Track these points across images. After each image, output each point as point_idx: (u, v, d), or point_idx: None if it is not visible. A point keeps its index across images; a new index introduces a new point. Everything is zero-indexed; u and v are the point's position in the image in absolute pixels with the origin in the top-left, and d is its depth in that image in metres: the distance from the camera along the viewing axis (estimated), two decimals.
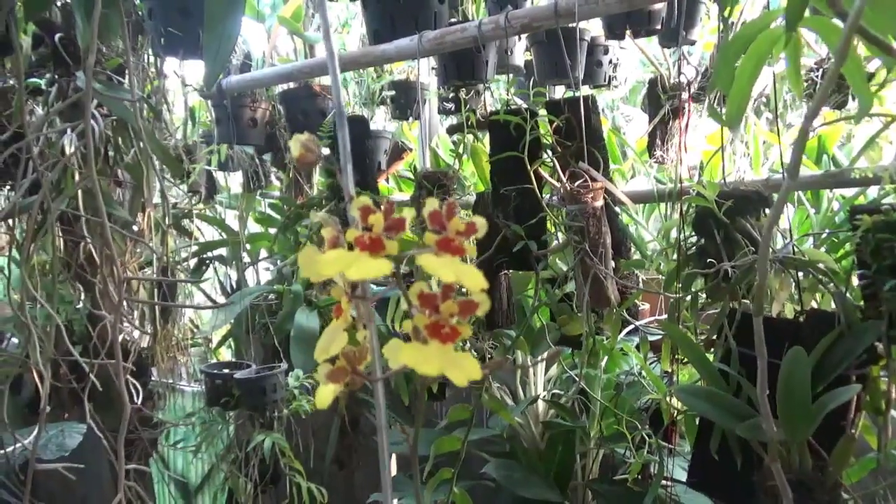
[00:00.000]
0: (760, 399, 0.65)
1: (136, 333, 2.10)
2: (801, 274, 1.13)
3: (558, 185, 1.27)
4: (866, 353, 1.00)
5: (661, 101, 2.01)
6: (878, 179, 1.22)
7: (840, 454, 0.99)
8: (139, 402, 1.95)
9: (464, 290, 0.31)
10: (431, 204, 0.32)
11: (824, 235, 1.66)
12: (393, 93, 2.39)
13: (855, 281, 1.11)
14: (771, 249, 1.10)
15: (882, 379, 1.04)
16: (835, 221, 1.86)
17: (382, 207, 0.31)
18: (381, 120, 2.70)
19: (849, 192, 1.88)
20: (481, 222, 0.32)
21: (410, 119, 2.43)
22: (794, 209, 1.95)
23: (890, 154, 2.22)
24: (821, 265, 1.08)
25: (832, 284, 1.07)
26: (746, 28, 0.71)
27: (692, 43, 1.93)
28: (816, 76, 1.86)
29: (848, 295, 1.07)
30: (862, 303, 1.04)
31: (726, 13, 0.68)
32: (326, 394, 0.34)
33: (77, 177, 1.62)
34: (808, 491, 0.97)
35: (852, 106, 1.83)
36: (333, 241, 0.33)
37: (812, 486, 0.97)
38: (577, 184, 1.24)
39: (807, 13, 0.68)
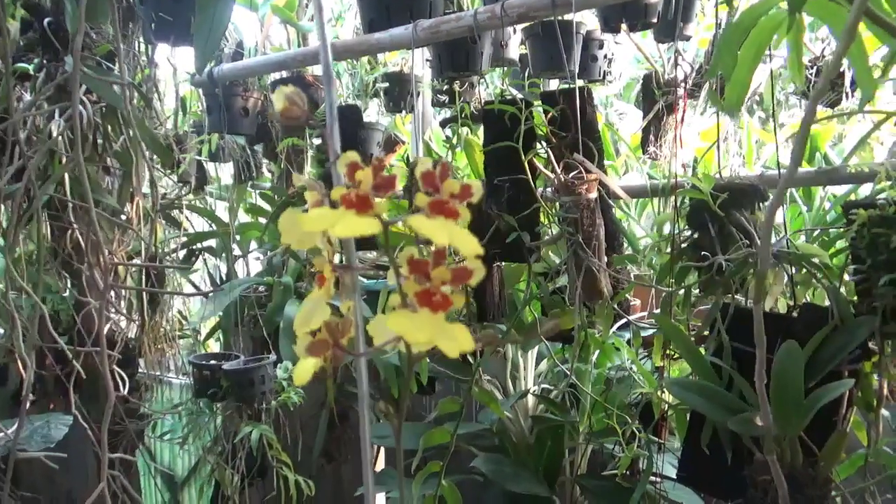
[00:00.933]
0: (758, 388, 0.64)
1: (124, 324, 2.08)
2: (794, 268, 1.13)
3: (552, 176, 1.26)
4: (859, 349, 1.00)
5: (656, 97, 2.01)
6: (872, 175, 1.22)
7: (831, 450, 0.98)
8: (125, 393, 1.93)
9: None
10: (424, 164, 0.30)
11: (816, 233, 1.66)
12: (386, 85, 2.37)
13: (847, 276, 1.11)
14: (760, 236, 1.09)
15: (874, 375, 1.04)
16: (826, 219, 1.86)
17: (372, 164, 0.30)
18: (374, 113, 2.68)
19: (840, 190, 1.88)
20: (477, 185, 0.31)
21: (404, 112, 2.42)
22: (786, 206, 1.94)
23: (881, 154, 2.22)
24: (815, 260, 1.08)
25: (825, 279, 1.07)
26: (748, 13, 0.70)
27: (687, 38, 1.93)
28: (811, 73, 1.86)
29: (841, 290, 1.07)
30: (855, 298, 1.04)
31: None
32: (306, 368, 0.33)
33: (64, 162, 1.59)
34: (799, 486, 0.96)
35: (846, 105, 1.84)
36: (317, 206, 0.31)
37: (803, 481, 0.97)
38: (571, 175, 1.23)
39: None
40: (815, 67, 1.86)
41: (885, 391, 1.02)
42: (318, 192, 0.32)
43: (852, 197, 1.79)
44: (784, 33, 0.68)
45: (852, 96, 1.85)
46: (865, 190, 1.70)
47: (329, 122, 0.37)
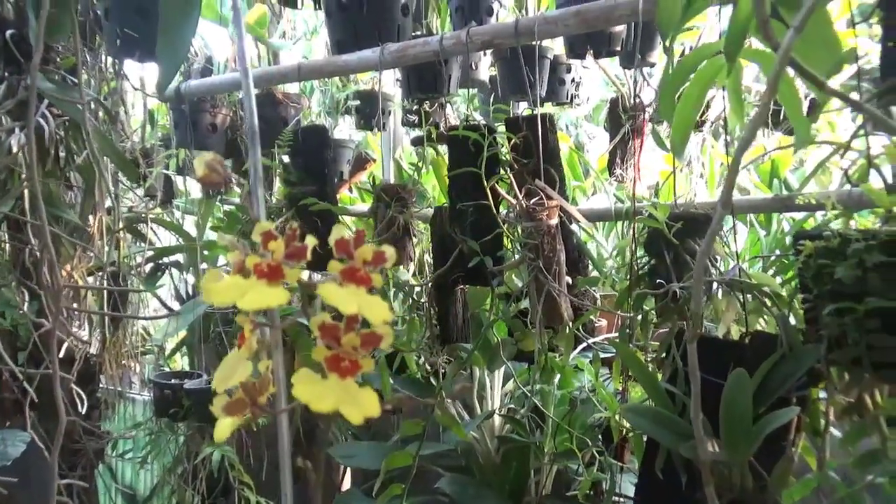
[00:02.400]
0: (694, 422, 0.66)
1: (85, 337, 2.04)
2: (746, 296, 1.16)
3: (514, 201, 1.28)
4: (807, 376, 1.03)
5: (622, 121, 2.04)
6: (823, 205, 1.25)
7: (780, 475, 1.00)
8: (84, 411, 1.89)
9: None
10: (338, 232, 0.31)
11: (773, 258, 1.70)
12: (358, 103, 2.38)
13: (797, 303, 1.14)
14: (718, 271, 1.12)
15: (821, 401, 1.06)
16: (784, 244, 1.90)
17: (286, 234, 0.30)
18: (346, 129, 2.68)
19: (799, 215, 1.93)
20: (391, 252, 0.31)
21: (375, 129, 2.43)
22: (746, 231, 1.99)
23: (839, 179, 2.29)
24: (765, 288, 1.11)
25: (775, 307, 1.09)
26: (690, 57, 0.72)
27: (652, 65, 1.97)
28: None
29: (791, 318, 1.10)
30: (804, 326, 1.07)
31: (667, 42, 0.69)
32: (224, 427, 0.33)
33: (23, 178, 1.57)
34: None
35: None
36: (239, 267, 0.32)
37: None
38: (532, 201, 1.25)
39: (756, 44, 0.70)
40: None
41: (832, 416, 1.04)
42: (240, 252, 0.32)
43: (810, 221, 1.84)
44: (723, 78, 0.71)
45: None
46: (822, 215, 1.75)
47: (253, 184, 0.38)
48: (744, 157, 0.67)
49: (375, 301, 0.29)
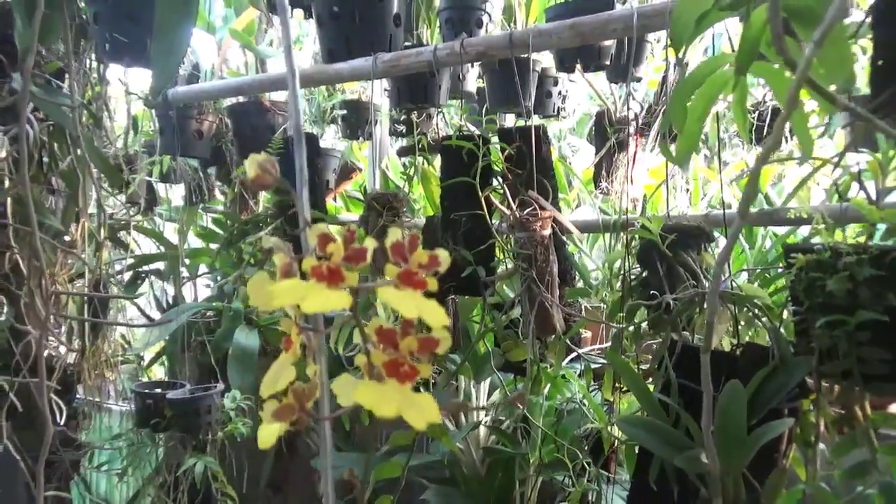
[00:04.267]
0: (705, 435, 0.66)
1: (63, 348, 1.99)
2: (737, 308, 1.17)
3: (508, 212, 1.28)
4: (798, 388, 1.04)
5: (608, 134, 2.07)
6: (810, 219, 1.28)
7: (772, 486, 1.01)
8: (62, 422, 1.85)
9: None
10: (394, 234, 0.31)
11: (757, 271, 1.73)
12: (344, 112, 2.37)
13: (786, 315, 1.15)
14: (709, 283, 1.13)
15: (812, 412, 1.08)
16: (767, 258, 1.94)
17: (343, 235, 0.30)
18: (331, 138, 2.68)
19: (781, 230, 1.97)
20: (444, 256, 0.31)
21: (361, 139, 2.42)
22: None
23: (817, 194, 2.34)
24: (757, 301, 1.12)
25: (766, 319, 1.11)
26: (697, 71, 0.74)
27: (638, 80, 2.00)
28: (752, 118, 1.96)
29: (781, 330, 1.11)
30: (794, 338, 1.08)
31: (681, 54, 0.71)
32: (270, 433, 0.32)
33: (7, 183, 1.54)
34: None
35: (785, 148, 1.93)
36: (286, 270, 0.31)
37: None
38: (526, 212, 1.25)
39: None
40: (756, 112, 1.96)
41: (822, 428, 1.06)
42: (287, 255, 0.32)
43: (792, 237, 1.87)
44: (729, 91, 0.72)
45: (791, 139, 1.95)
46: (804, 230, 1.78)
47: (299, 186, 0.37)
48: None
49: (433, 305, 0.29)
